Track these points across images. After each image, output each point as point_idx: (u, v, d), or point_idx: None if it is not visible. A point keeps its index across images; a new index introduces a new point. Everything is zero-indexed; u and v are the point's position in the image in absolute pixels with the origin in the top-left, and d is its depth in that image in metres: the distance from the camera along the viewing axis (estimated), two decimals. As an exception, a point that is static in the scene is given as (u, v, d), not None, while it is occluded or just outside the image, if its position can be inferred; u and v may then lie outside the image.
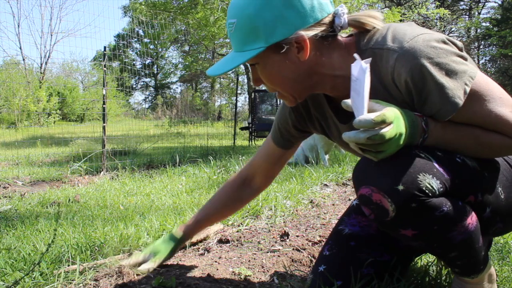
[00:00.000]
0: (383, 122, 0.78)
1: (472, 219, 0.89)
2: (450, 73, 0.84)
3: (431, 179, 0.82)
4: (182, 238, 1.42)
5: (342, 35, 1.00)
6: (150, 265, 1.33)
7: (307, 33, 0.91)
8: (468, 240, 0.90)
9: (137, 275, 1.30)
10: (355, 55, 0.81)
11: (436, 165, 0.85)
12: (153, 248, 1.39)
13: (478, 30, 22.15)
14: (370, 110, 0.81)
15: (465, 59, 0.88)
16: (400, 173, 0.82)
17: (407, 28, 0.91)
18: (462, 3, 24.47)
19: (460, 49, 0.89)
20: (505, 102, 0.88)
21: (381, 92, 0.93)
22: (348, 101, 0.82)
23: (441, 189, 0.83)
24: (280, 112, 1.25)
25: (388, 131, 0.78)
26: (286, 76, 0.96)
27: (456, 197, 0.87)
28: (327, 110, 1.11)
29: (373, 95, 0.93)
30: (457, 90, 0.84)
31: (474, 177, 0.91)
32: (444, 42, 0.87)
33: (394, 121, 0.80)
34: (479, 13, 23.63)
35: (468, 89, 0.85)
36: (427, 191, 0.81)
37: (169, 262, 1.45)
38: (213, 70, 1.00)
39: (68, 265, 1.35)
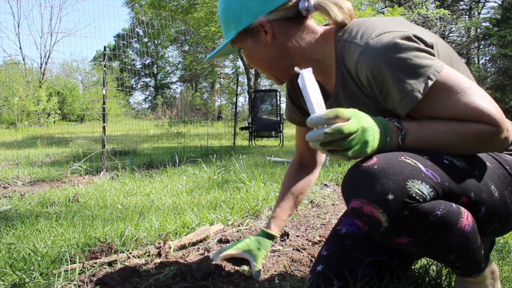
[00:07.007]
0: (337, 117, 0.80)
1: (468, 220, 0.87)
2: (411, 67, 0.86)
3: (420, 185, 0.81)
4: (274, 235, 1.41)
5: (322, 25, 1.08)
6: (255, 269, 1.31)
7: (268, 18, 1.03)
8: (465, 241, 0.88)
9: (138, 275, 1.30)
10: (296, 68, 0.89)
11: (423, 169, 0.84)
12: (250, 250, 1.36)
13: (478, 30, 22.14)
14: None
15: (432, 55, 0.90)
16: (388, 182, 0.81)
17: (379, 24, 0.95)
18: (462, 3, 24.48)
19: (430, 46, 0.91)
20: (474, 91, 0.87)
21: (351, 84, 0.99)
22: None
23: (432, 194, 0.82)
24: (286, 91, 1.34)
25: (345, 125, 0.80)
26: (261, 58, 1.09)
27: (449, 200, 0.86)
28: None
29: (345, 87, 1.01)
30: (416, 84, 0.86)
31: (464, 177, 0.89)
32: (409, 39, 0.88)
33: (352, 117, 0.82)
34: (479, 13, 23.64)
35: (430, 83, 0.86)
36: (417, 197, 0.80)
37: (171, 260, 1.46)
38: (207, 57, 1.21)
39: (68, 265, 1.35)
